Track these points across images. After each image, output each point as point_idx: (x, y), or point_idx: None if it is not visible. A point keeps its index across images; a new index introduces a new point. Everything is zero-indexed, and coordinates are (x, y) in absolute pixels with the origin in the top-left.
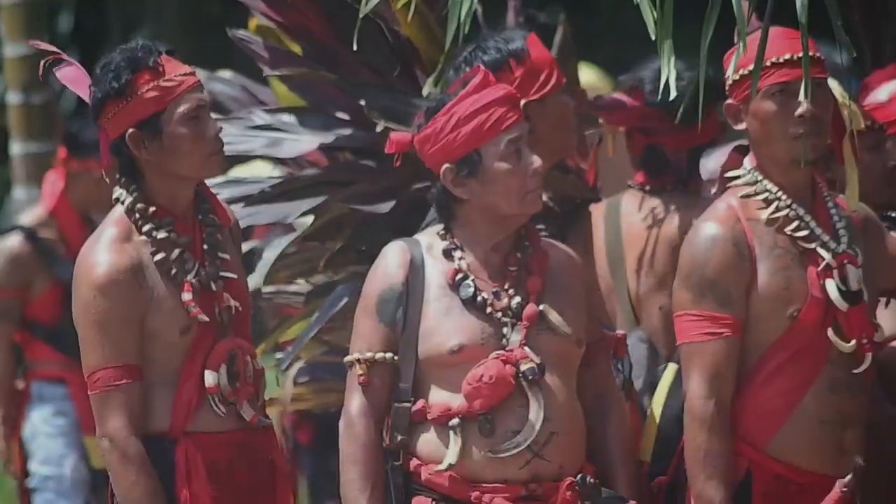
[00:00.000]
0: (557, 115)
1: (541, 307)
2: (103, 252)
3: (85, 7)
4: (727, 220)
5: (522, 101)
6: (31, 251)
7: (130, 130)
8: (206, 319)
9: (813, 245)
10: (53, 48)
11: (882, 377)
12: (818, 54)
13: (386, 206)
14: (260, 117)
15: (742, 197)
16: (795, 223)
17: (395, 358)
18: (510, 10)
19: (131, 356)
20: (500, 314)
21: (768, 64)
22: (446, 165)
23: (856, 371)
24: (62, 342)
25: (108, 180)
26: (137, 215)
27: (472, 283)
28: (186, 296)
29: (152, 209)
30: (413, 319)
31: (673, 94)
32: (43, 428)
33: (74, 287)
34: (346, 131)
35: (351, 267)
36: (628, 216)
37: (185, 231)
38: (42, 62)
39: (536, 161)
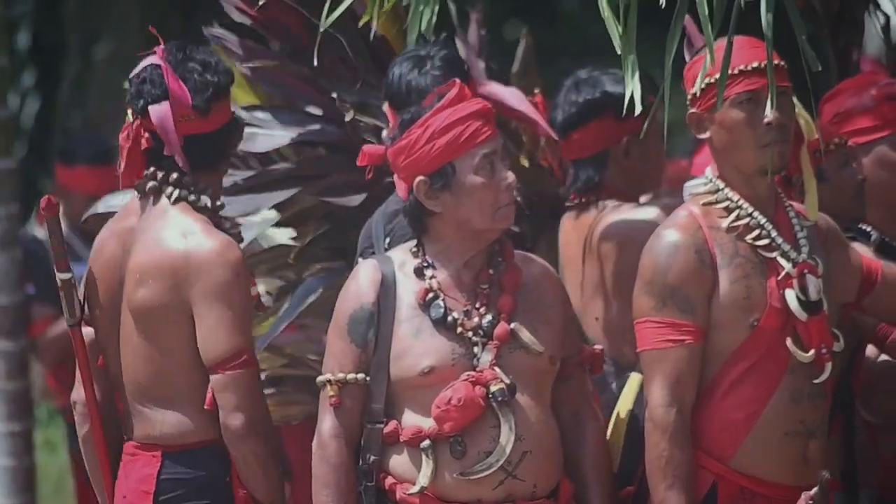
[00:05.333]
0: None
1: (512, 325)
2: (219, 236)
3: (43, 24)
4: (688, 228)
5: None
6: None
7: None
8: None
9: (773, 254)
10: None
11: (864, 387)
12: (781, 63)
13: (357, 199)
14: None
15: (704, 205)
16: (756, 232)
17: (367, 379)
18: (472, 24)
19: None
20: (470, 333)
21: (735, 72)
22: (420, 178)
23: (816, 381)
24: None
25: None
26: (212, 211)
27: (442, 303)
28: (255, 290)
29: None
30: (385, 340)
31: (638, 108)
32: None
33: (195, 271)
34: (318, 126)
35: (320, 263)
36: (564, 236)
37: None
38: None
39: (510, 176)
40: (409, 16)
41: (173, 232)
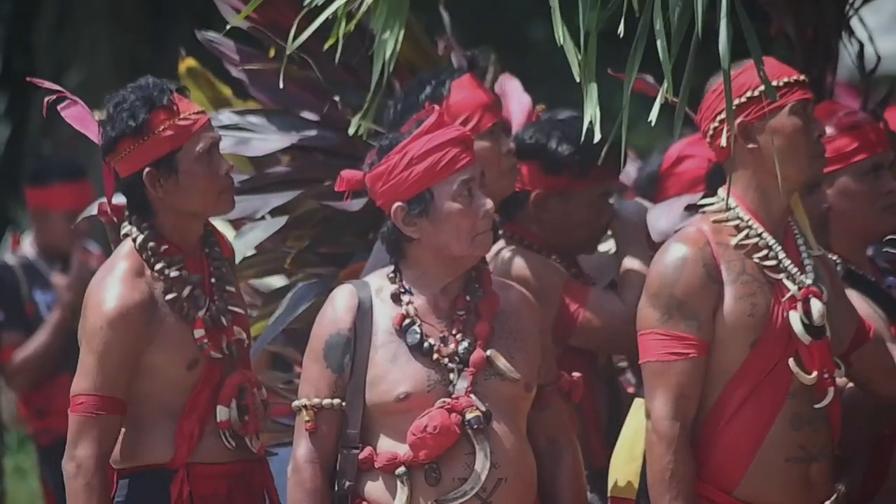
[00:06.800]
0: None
1: (488, 353)
2: (117, 285)
3: (14, 50)
4: (697, 242)
5: None
6: None
7: (147, 169)
8: (220, 356)
9: (780, 276)
10: (57, 87)
11: None
12: (802, 78)
13: (357, 204)
14: (227, 117)
15: (714, 222)
16: (764, 252)
17: (343, 404)
18: (440, 49)
19: (120, 391)
20: (446, 360)
21: (791, 81)
22: (398, 204)
23: (818, 406)
24: None
25: (114, 218)
26: (150, 252)
27: (418, 329)
28: (199, 332)
29: (164, 247)
30: (360, 365)
31: (597, 136)
32: None
33: (83, 312)
34: (314, 132)
35: (313, 269)
36: None
37: (195, 267)
38: (45, 100)
39: (488, 203)
40: (374, 44)
41: (103, 272)
